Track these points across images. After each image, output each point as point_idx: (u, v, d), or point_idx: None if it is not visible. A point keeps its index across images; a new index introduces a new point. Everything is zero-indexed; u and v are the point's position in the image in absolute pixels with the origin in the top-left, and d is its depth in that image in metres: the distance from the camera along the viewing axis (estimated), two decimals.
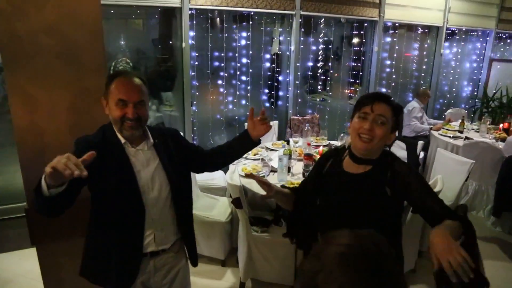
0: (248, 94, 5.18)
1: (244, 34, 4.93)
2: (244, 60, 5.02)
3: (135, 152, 1.73)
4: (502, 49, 7.74)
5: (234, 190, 2.86)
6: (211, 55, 4.78)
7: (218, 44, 4.81)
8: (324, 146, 4.15)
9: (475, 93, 7.76)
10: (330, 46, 5.76)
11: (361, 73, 6.19)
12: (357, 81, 6.23)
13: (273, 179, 3.25)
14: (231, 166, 3.39)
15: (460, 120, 5.50)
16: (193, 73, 4.64)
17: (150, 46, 4.77)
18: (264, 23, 5.03)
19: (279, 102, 5.55)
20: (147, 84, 1.74)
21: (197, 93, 4.84)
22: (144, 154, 1.76)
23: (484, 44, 7.54)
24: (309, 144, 3.53)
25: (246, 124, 4.69)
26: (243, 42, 4.93)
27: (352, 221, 1.58)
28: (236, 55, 4.93)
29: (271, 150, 4.07)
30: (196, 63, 4.69)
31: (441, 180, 3.11)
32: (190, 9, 4.36)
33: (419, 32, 6.65)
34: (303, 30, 5.29)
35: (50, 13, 1.96)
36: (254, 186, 3.10)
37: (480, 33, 7.41)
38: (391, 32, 6.31)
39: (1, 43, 1.90)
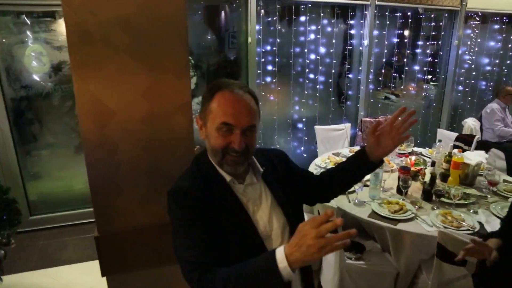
0: (317, 94, 4.71)
1: (313, 27, 4.45)
2: (312, 56, 4.55)
3: (244, 190, 1.32)
4: None
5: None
6: (278, 51, 4.35)
7: (286, 39, 4.37)
8: (411, 154, 3.62)
9: None
10: (406, 40, 5.16)
11: (438, 70, 5.54)
12: (433, 78, 5.58)
13: (363, 195, 2.78)
14: None
15: None
16: (258, 71, 4.23)
17: (212, 41, 4.40)
18: (335, 15, 4.53)
19: (348, 102, 5.03)
20: (258, 100, 1.31)
21: (262, 93, 4.43)
22: (254, 190, 1.34)
23: None
24: (406, 156, 3.03)
25: (315, 126, 4.33)
26: (312, 36, 4.46)
27: None
28: (306, 50, 4.47)
29: None
30: (263, 59, 4.28)
31: None
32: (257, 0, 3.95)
33: (502, 21, 5.87)
34: (377, 22, 4.74)
35: (126, 3, 1.59)
36: (344, 204, 2.66)
37: None
38: (472, 23, 5.60)
39: (71, 41, 1.55)
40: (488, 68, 5.99)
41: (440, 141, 3.37)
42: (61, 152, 3.96)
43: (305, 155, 4.78)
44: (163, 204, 1.39)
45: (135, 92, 1.68)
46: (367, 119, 4.85)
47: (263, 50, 4.28)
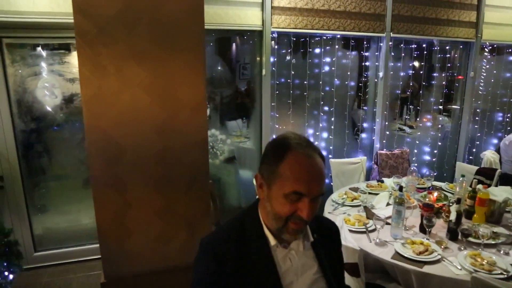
0: (332, 126, 4.61)
1: (327, 59, 4.41)
2: (327, 88, 4.48)
3: (285, 255, 1.18)
4: None
5: (350, 253, 2.26)
6: (292, 83, 4.29)
7: (300, 71, 4.31)
8: (431, 189, 3.46)
9: None
10: (421, 72, 5.09)
11: (453, 101, 5.43)
12: (449, 109, 5.47)
13: (385, 235, 2.62)
14: (336, 219, 2.79)
15: None
16: (272, 103, 4.16)
17: (224, 72, 4.36)
18: (350, 47, 4.49)
19: (364, 135, 4.92)
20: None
21: (276, 125, 4.33)
22: (299, 257, 1.20)
23: None
24: (430, 193, 2.88)
25: (330, 160, 4.21)
26: (326, 68, 4.41)
27: None
28: (320, 82, 4.41)
29: (370, 193, 3.43)
30: (277, 92, 4.21)
31: None
32: (272, 32, 3.92)
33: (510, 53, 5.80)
34: (393, 54, 4.69)
35: (142, 36, 1.53)
36: (365, 244, 2.50)
37: None
38: (488, 55, 5.53)
39: (83, 74, 1.48)
40: (505, 99, 5.87)
41: (463, 176, 3.21)
42: (69, 185, 3.86)
43: None
44: (175, 246, 1.28)
45: (149, 128, 1.59)
46: (383, 151, 4.72)
47: (277, 82, 4.22)
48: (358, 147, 4.89)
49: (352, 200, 3.23)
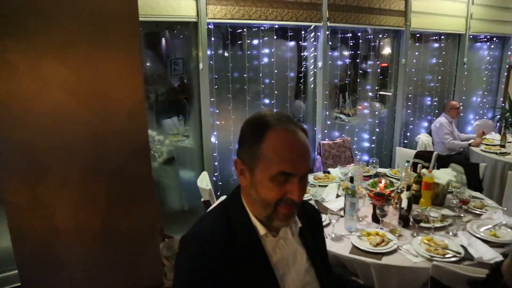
0: None
1: (266, 51, 4.28)
2: (267, 81, 4.36)
3: (275, 245, 1.09)
4: None
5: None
6: (231, 76, 4.11)
7: (239, 64, 4.15)
8: (376, 176, 3.49)
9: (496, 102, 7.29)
10: (357, 60, 5.16)
11: (388, 88, 5.60)
12: (384, 96, 5.64)
13: (339, 228, 2.55)
14: None
15: (493, 133, 5.29)
16: (212, 99, 3.95)
17: (156, 69, 4.08)
18: (288, 38, 4.41)
19: (305, 126, 4.88)
20: None
21: (217, 122, 4.14)
22: (288, 246, 1.12)
23: (502, 51, 7.10)
24: (380, 181, 2.86)
25: None
26: (265, 60, 4.29)
27: None
28: (260, 75, 4.28)
29: (319, 186, 3.37)
30: (216, 86, 4.01)
31: None
32: (207, 24, 3.69)
33: (440, 40, 6.13)
34: (330, 43, 4.68)
35: (63, 26, 1.25)
36: None
37: (497, 40, 6.97)
38: (416, 44, 5.78)
39: None
40: (432, 84, 6.18)
41: (408, 162, 3.26)
42: None
43: None
44: (120, 271, 1.07)
45: (78, 136, 1.31)
46: (326, 141, 4.72)
47: (216, 76, 4.02)
48: None
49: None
